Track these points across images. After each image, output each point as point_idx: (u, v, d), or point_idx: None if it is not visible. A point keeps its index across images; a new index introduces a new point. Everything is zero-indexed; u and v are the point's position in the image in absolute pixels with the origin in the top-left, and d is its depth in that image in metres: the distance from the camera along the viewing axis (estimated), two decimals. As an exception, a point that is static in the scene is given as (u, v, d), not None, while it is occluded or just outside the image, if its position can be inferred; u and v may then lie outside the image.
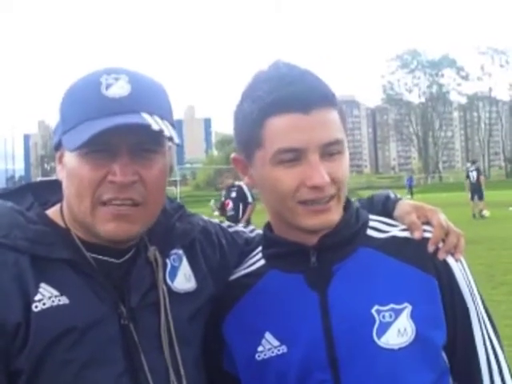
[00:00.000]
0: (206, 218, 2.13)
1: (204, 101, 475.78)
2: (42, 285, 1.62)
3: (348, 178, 1.75)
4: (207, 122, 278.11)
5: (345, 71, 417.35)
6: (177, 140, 1.65)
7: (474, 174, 29.35)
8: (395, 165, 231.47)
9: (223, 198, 15.66)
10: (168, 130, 1.62)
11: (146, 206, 1.68)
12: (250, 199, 15.17)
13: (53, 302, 1.61)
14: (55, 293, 1.63)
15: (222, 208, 15.86)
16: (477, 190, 28.69)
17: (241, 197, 15.14)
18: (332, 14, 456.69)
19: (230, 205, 15.18)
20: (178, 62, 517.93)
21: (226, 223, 2.19)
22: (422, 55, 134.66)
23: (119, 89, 1.62)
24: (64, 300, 1.63)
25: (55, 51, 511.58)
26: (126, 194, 1.64)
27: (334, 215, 1.72)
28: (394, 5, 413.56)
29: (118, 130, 1.56)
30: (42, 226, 1.71)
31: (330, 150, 1.66)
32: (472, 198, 29.07)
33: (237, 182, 15.34)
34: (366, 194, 2.37)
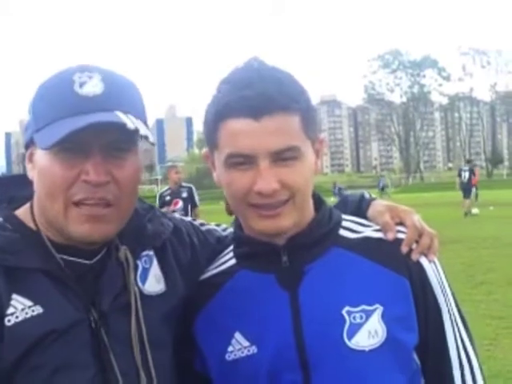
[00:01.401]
0: (177, 216, 2.10)
1: (185, 100, 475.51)
2: (14, 296, 1.60)
3: (309, 182, 1.72)
4: (188, 121, 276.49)
5: (326, 71, 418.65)
6: (152, 139, 1.64)
7: (466, 174, 29.90)
8: (377, 164, 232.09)
9: (169, 197, 14.66)
10: (143, 129, 1.60)
11: (120, 205, 1.65)
12: (197, 203, 14.90)
13: (26, 313, 1.59)
14: (28, 303, 1.60)
15: (164, 205, 14.59)
16: (466, 189, 29.14)
17: (191, 198, 14.72)
18: (314, 13, 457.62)
19: (180, 204, 14.49)
20: (160, 60, 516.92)
21: (198, 221, 2.16)
22: (403, 55, 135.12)
23: (93, 87, 1.60)
24: (38, 309, 1.61)
25: (36, 50, 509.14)
26: (99, 194, 1.61)
27: (285, 221, 1.68)
28: (376, 5, 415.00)
29: (92, 129, 1.53)
30: (11, 233, 1.68)
31: (282, 156, 1.63)
32: (464, 196, 29.49)
33: (184, 184, 15.08)
34: (347, 193, 2.37)
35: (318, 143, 1.77)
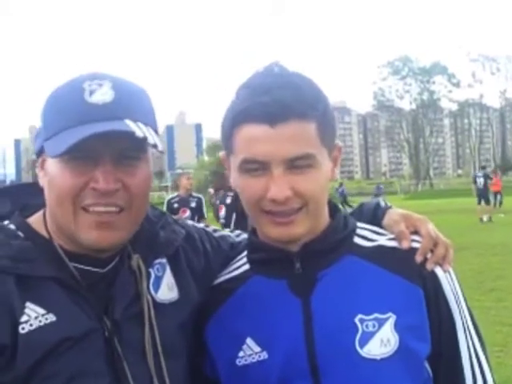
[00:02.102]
0: (190, 222, 2.10)
1: (195, 106, 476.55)
2: (28, 304, 1.60)
3: (323, 189, 1.71)
4: (198, 128, 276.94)
5: (336, 78, 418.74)
6: (161, 147, 1.62)
7: (481, 180, 30.17)
8: (386, 171, 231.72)
9: (177, 205, 14.19)
10: (152, 137, 1.59)
11: (130, 212, 1.65)
12: (205, 214, 14.42)
13: (40, 321, 1.59)
14: (41, 311, 1.60)
15: (171, 213, 14.27)
16: (483, 195, 29.38)
17: (199, 209, 14.28)
18: (324, 20, 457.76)
19: (187, 214, 13.92)
20: (170, 67, 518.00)
21: (211, 227, 2.15)
22: (413, 62, 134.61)
23: (102, 95, 1.59)
24: (51, 317, 1.61)
25: (46, 56, 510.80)
26: (109, 200, 1.61)
27: (298, 228, 1.68)
28: (386, 12, 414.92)
29: (101, 137, 1.53)
30: (23, 241, 1.68)
31: (297, 164, 1.62)
32: (479, 203, 29.91)
33: (194, 193, 14.74)
34: (357, 199, 2.41)
35: (335, 150, 1.77)
